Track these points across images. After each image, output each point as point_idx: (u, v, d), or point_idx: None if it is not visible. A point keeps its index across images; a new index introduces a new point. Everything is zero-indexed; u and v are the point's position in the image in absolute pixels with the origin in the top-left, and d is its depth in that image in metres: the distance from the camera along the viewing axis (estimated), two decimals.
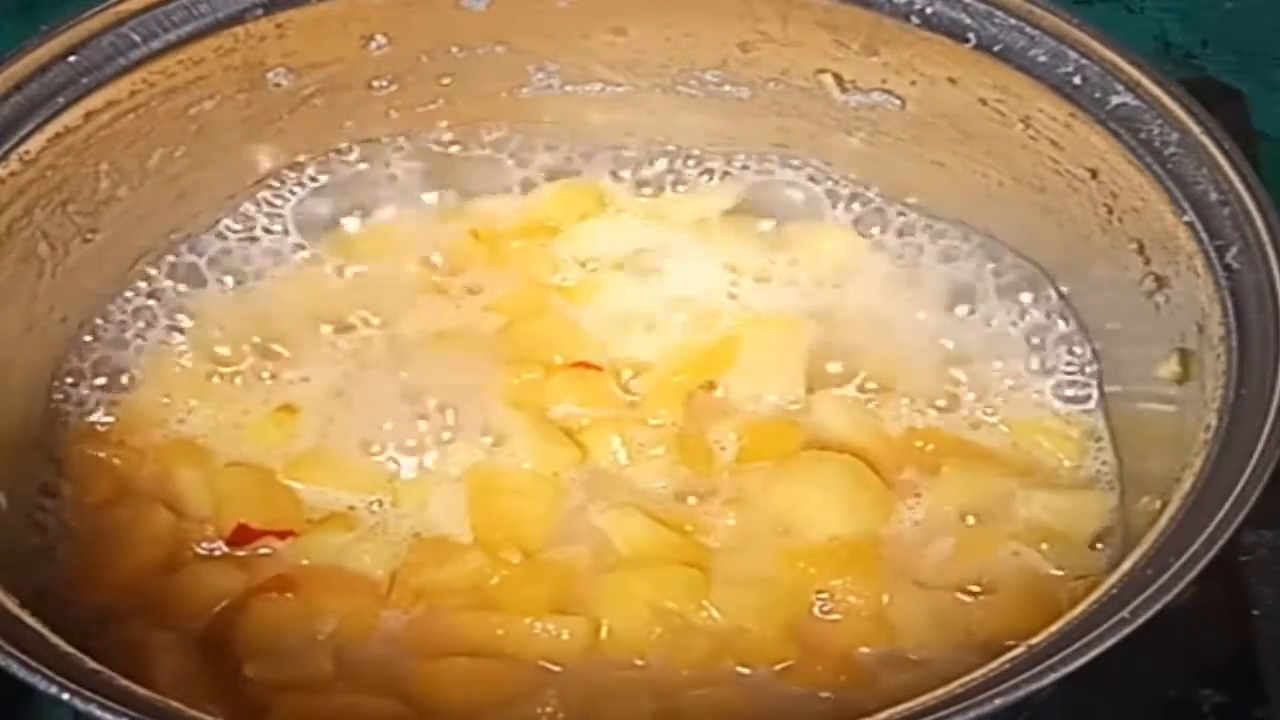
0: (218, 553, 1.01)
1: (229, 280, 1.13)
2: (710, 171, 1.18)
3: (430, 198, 1.17)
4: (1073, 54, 1.01)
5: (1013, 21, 1.02)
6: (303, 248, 1.15)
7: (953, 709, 0.76)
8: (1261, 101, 1.35)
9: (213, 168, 1.11)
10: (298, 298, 1.13)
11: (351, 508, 1.03)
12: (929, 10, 1.03)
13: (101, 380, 1.08)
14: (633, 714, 0.94)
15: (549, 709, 0.94)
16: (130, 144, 1.05)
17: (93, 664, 0.80)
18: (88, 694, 0.77)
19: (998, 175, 1.09)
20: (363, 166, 1.16)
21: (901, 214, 1.15)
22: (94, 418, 1.07)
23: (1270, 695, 1.00)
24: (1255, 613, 1.03)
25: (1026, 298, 1.11)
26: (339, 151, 1.16)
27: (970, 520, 1.02)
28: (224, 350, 1.10)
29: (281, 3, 1.05)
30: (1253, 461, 0.84)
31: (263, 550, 1.01)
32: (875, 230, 1.15)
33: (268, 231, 1.15)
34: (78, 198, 1.03)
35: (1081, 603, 0.82)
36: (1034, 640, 0.80)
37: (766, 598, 0.98)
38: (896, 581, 0.99)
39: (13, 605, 0.83)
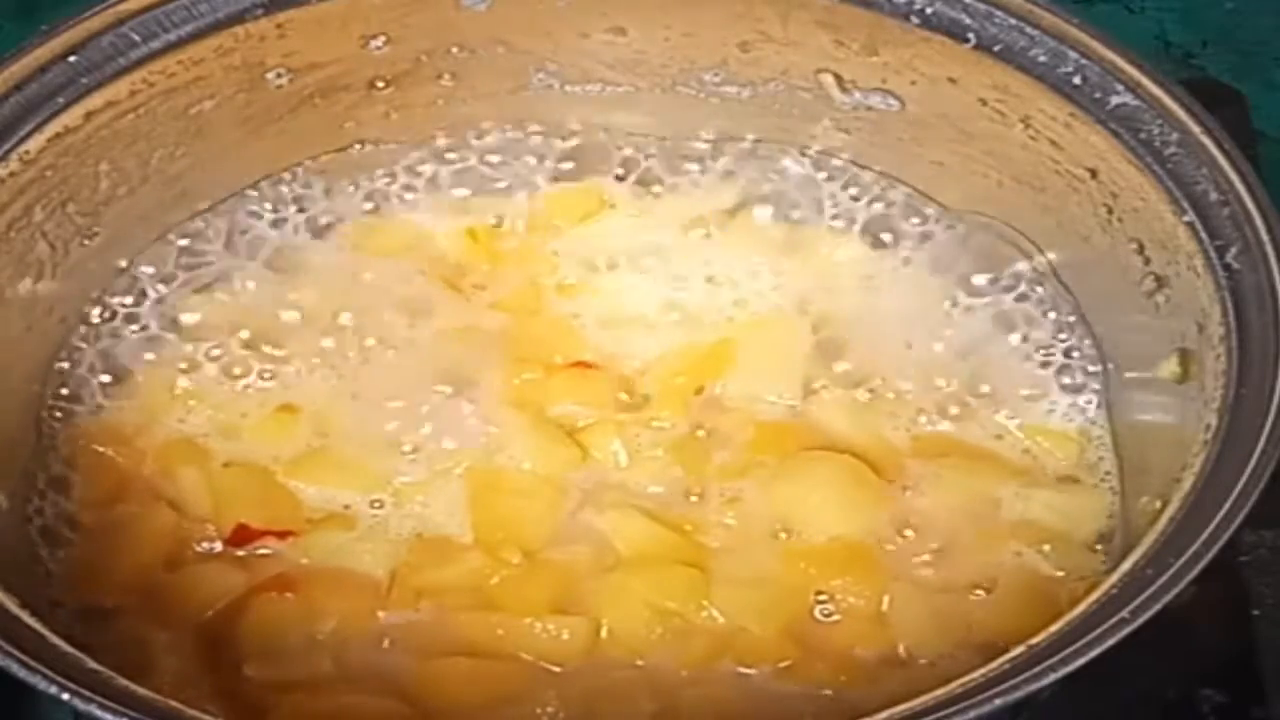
0: (218, 552, 1.01)
1: (229, 280, 1.13)
2: (710, 171, 1.18)
3: (430, 198, 1.17)
4: (1073, 54, 1.01)
5: (1013, 21, 1.02)
6: (303, 248, 1.15)
7: (953, 709, 0.76)
8: (1261, 101, 1.35)
9: (213, 168, 1.11)
10: (298, 297, 1.12)
11: (350, 507, 1.03)
12: (929, 10, 1.03)
13: (102, 380, 1.08)
14: (632, 714, 0.94)
15: (549, 709, 0.94)
16: (130, 144, 1.05)
17: (93, 664, 0.80)
18: (88, 694, 0.77)
19: (998, 175, 1.09)
20: (363, 166, 1.16)
21: (901, 213, 1.15)
22: (94, 417, 1.07)
23: (1270, 695, 1.00)
24: (1255, 613, 1.03)
25: (1025, 297, 1.11)
26: (339, 151, 1.16)
27: (970, 520, 1.02)
28: (224, 350, 1.10)
29: (281, 3, 1.05)
30: (1253, 461, 0.84)
31: (262, 550, 1.01)
32: (874, 230, 1.15)
33: (268, 231, 1.15)
34: (78, 198, 1.03)
35: (1081, 603, 0.82)
36: (1034, 640, 0.80)
37: (766, 598, 0.98)
38: (896, 581, 0.99)
39: (13, 605, 0.83)
